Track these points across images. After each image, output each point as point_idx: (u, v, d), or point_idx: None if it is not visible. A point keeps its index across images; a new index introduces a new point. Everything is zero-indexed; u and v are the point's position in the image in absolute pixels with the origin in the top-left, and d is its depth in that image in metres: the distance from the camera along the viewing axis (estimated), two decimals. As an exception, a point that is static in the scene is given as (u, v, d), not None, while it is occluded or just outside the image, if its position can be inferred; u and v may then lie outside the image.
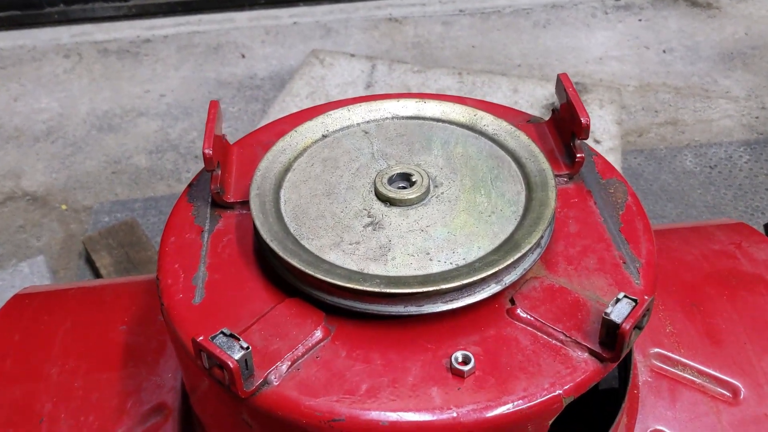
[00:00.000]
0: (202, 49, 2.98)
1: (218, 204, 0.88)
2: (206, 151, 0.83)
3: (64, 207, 2.28)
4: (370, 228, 0.78)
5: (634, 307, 0.69)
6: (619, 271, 0.79)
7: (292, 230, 0.79)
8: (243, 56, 2.93)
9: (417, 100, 0.94)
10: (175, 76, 2.85)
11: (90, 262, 2.02)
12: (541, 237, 0.76)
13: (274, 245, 0.75)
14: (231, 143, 0.96)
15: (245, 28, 3.07)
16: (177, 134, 2.58)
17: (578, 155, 0.87)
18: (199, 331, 0.74)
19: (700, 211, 2.18)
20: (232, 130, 2.58)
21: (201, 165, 2.68)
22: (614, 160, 2.19)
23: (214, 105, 0.90)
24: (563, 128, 0.92)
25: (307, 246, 0.77)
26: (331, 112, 0.92)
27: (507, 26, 3.05)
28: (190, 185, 0.93)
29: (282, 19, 3.09)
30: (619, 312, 0.69)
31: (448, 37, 2.99)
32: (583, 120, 0.85)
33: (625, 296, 0.70)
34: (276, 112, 2.60)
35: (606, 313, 0.68)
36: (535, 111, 2.54)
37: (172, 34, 3.05)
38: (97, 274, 1.98)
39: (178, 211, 0.89)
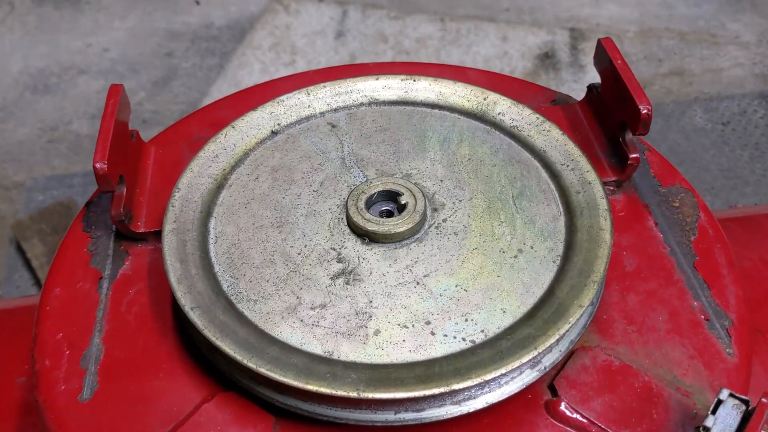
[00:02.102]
0: (151, -6, 2.64)
1: (125, 235, 0.62)
2: (98, 165, 0.56)
3: (-8, 183, 1.99)
4: (341, 280, 0.53)
5: (746, 414, 0.45)
6: (702, 334, 0.54)
7: (225, 286, 0.53)
8: (197, 2, 2.60)
9: (403, 77, 0.68)
10: (120, 27, 2.52)
11: (21, 251, 1.75)
12: (597, 293, 0.51)
13: (195, 317, 0.49)
14: (146, 140, 0.70)
15: (199, -31, 2.72)
16: (123, 94, 2.27)
17: (631, 156, 0.62)
18: (86, 451, 0.49)
19: (715, 175, 1.94)
20: (185, 89, 2.28)
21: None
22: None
23: (115, 92, 0.63)
24: (606, 114, 0.66)
25: (247, 314, 0.51)
26: (284, 98, 0.66)
27: (492, -36, 2.74)
28: (87, 204, 0.66)
29: (241, -42, 2.74)
30: (724, 424, 0.45)
31: (427, -22, 2.68)
32: (642, 109, 0.59)
33: (730, 395, 0.46)
34: (235, 67, 2.30)
35: (705, 428, 0.44)
36: (528, 62, 2.26)
37: (117, -23, 2.69)
38: (28, 266, 1.71)
39: (67, 245, 0.63)
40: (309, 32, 2.40)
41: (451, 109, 0.66)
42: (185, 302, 0.50)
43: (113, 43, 2.46)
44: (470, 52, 2.32)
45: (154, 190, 0.64)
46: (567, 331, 0.48)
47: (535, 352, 0.47)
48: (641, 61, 2.35)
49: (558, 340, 0.49)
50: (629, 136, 0.62)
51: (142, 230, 0.61)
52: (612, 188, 0.64)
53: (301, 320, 0.51)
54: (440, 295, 0.52)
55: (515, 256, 0.54)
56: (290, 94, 0.66)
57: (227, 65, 2.31)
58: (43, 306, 0.58)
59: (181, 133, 0.71)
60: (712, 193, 1.91)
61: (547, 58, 2.28)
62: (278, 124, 0.65)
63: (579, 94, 0.74)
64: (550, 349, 0.49)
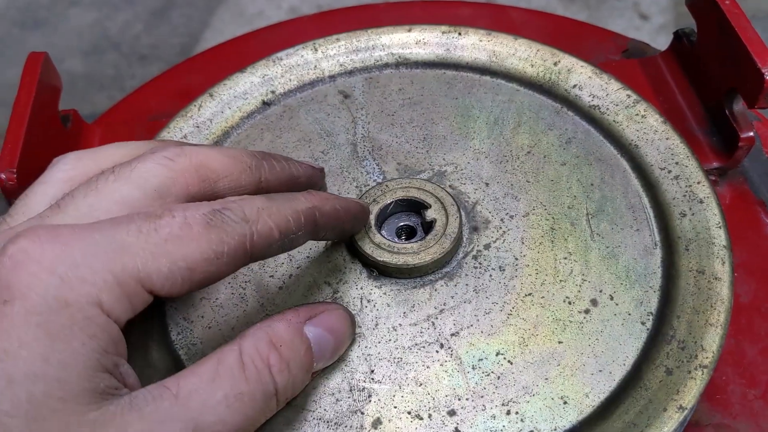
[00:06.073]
0: None
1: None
2: (3, 175, 0.42)
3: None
4: (333, 334, 0.38)
5: None
6: None
7: (176, 341, 0.38)
8: None
9: (445, 28, 0.50)
10: (113, -49, 2.32)
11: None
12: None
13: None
14: (90, 121, 0.54)
15: None
16: (118, 28, 2.07)
17: (743, 135, 0.44)
18: None
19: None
20: (185, 20, 2.08)
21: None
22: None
23: (33, 64, 0.47)
24: (703, 74, 0.48)
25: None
26: (282, 54, 0.49)
27: None
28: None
29: None
30: None
31: None
32: (766, 73, 0.41)
33: None
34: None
35: None
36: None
37: None
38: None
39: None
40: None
41: (508, 76, 0.48)
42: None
43: (105, -30, 2.27)
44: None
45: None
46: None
47: (610, 483, 0.31)
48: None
49: (646, 458, 0.32)
50: (740, 107, 0.44)
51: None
52: (714, 178, 0.47)
53: (273, 395, 0.36)
54: (472, 368, 0.36)
55: (586, 311, 0.37)
56: (291, 50, 0.49)
57: (231, -11, 2.11)
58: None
59: (136, 108, 0.55)
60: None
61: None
62: (272, 92, 0.48)
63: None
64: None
